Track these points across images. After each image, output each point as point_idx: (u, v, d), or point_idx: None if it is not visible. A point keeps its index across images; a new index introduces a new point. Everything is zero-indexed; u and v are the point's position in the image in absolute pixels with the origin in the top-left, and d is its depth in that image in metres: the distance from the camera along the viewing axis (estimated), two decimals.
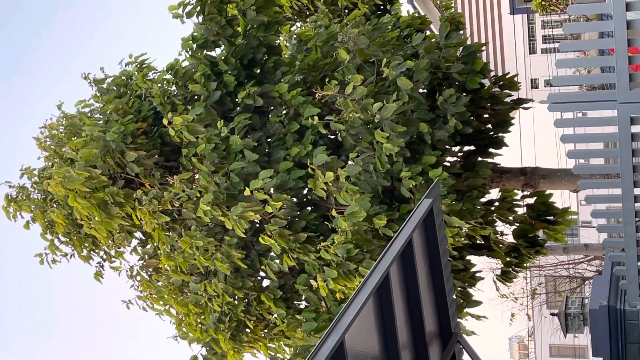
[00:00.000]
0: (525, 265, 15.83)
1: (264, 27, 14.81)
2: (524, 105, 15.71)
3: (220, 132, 13.70)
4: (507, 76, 15.46)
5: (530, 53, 47.41)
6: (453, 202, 13.10)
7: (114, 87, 15.42)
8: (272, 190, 13.57)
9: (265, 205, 13.34)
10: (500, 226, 15.43)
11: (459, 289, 14.70)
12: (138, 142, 14.25)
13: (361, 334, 7.34)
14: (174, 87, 14.95)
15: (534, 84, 47.11)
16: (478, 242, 15.02)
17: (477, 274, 15.05)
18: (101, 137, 13.97)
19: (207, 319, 14.89)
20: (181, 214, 14.32)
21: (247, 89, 14.03)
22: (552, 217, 15.13)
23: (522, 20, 44.81)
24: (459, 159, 15.04)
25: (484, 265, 18.29)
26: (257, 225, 14.72)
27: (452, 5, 15.42)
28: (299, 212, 14.19)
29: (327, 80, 14.29)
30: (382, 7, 18.84)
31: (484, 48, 14.84)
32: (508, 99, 15.25)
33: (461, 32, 14.61)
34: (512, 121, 15.46)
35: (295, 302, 14.95)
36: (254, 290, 14.80)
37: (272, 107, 14.65)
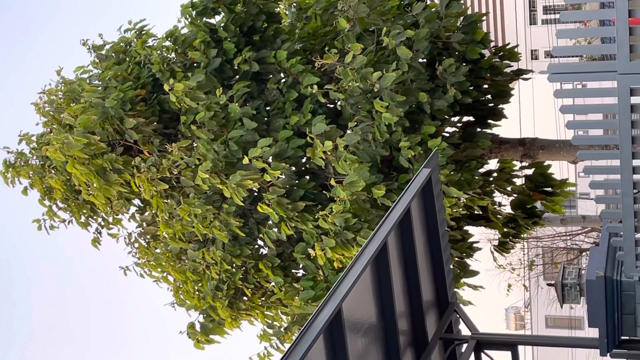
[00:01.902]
0: (522, 236, 15.86)
1: None
2: (524, 76, 15.67)
3: (219, 100, 13.67)
4: (508, 47, 15.41)
5: (530, 24, 47.24)
6: (451, 173, 13.10)
7: (113, 54, 15.35)
8: (270, 159, 13.57)
9: (263, 174, 13.34)
10: (498, 197, 15.45)
11: (456, 259, 14.74)
12: (137, 109, 14.22)
13: (359, 303, 7.37)
14: (173, 54, 14.89)
15: (534, 55, 46.99)
16: (476, 212, 15.03)
17: (475, 245, 15.08)
18: (100, 103, 13.94)
19: (205, 286, 14.94)
20: (180, 182, 14.32)
21: (243, 55, 13.98)
22: (550, 189, 15.14)
23: None
24: (458, 130, 15.02)
25: (482, 235, 18.32)
26: (256, 193, 14.73)
27: None
28: (297, 181, 14.19)
29: (326, 48, 14.23)
30: None
31: (484, 18, 14.77)
32: (508, 70, 15.20)
33: (462, 1, 14.53)
34: (512, 92, 15.43)
35: (293, 271, 14.99)
36: (252, 258, 14.83)
37: (270, 75, 14.61)
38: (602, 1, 7.70)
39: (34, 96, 16.85)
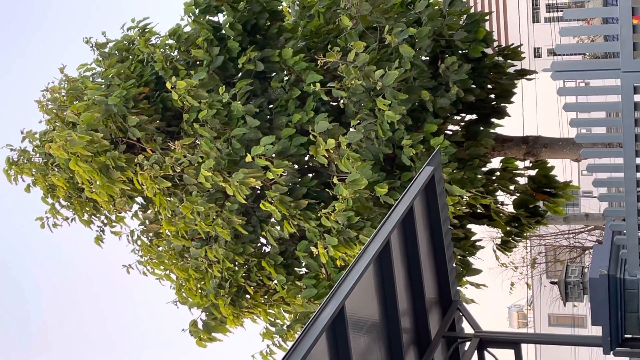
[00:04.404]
0: (525, 235, 15.84)
1: None
2: (527, 76, 15.65)
3: (222, 98, 13.67)
4: (511, 47, 15.40)
5: (533, 22, 47.20)
6: (454, 171, 13.09)
7: (116, 52, 15.37)
8: (273, 157, 13.56)
9: (266, 172, 13.34)
10: (500, 196, 15.43)
11: (459, 257, 14.73)
12: (140, 107, 14.22)
13: (361, 301, 7.36)
14: (176, 52, 14.90)
15: (536, 53, 46.94)
16: (479, 211, 15.03)
17: (477, 243, 15.07)
18: (103, 101, 13.94)
19: (207, 284, 14.94)
20: (182, 180, 14.32)
21: (247, 54, 13.98)
22: (552, 190, 15.12)
23: None
24: (460, 128, 15.01)
25: (485, 234, 18.30)
26: (258, 191, 14.73)
27: None
28: (300, 179, 14.18)
29: (329, 46, 14.23)
30: None
31: (487, 17, 14.74)
32: (511, 69, 15.19)
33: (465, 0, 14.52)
34: (514, 90, 15.42)
35: (295, 269, 14.99)
36: (254, 256, 14.83)
37: (273, 73, 14.61)
38: None
39: (37, 94, 16.86)
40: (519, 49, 15.41)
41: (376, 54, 13.54)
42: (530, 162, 15.68)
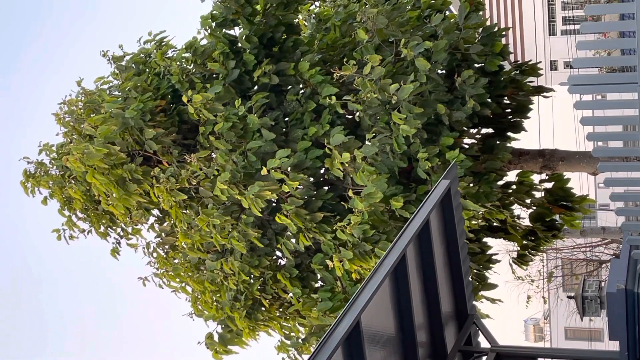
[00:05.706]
0: (541, 249, 15.77)
1: (283, 6, 14.76)
2: (545, 94, 15.60)
3: (238, 111, 13.70)
4: (530, 63, 15.37)
5: (550, 34, 47.11)
6: (470, 185, 13.05)
7: (133, 65, 15.43)
8: (289, 170, 13.57)
9: (282, 185, 13.35)
10: (516, 209, 15.37)
11: (475, 271, 14.67)
12: (156, 120, 14.28)
13: (377, 314, 7.35)
14: (192, 66, 14.95)
15: (553, 66, 46.84)
16: (495, 224, 14.97)
17: (494, 257, 15.00)
18: (120, 114, 14.00)
19: (223, 297, 14.95)
20: (198, 192, 14.36)
21: (262, 67, 14.02)
22: (569, 203, 15.06)
23: (542, 1, 44.52)
24: (476, 142, 14.97)
25: (501, 247, 18.23)
26: (274, 204, 14.74)
27: None
28: (315, 192, 14.19)
29: (345, 60, 14.25)
30: None
31: (504, 33, 14.70)
32: (528, 81, 15.17)
33: (481, 13, 14.49)
34: (531, 106, 15.38)
35: (311, 282, 14.98)
36: (269, 269, 14.83)
37: (289, 86, 14.63)
38: (622, 13, 7.66)
39: (54, 106, 16.94)
40: (537, 65, 15.37)
41: (392, 68, 13.54)
42: (547, 175, 15.63)
